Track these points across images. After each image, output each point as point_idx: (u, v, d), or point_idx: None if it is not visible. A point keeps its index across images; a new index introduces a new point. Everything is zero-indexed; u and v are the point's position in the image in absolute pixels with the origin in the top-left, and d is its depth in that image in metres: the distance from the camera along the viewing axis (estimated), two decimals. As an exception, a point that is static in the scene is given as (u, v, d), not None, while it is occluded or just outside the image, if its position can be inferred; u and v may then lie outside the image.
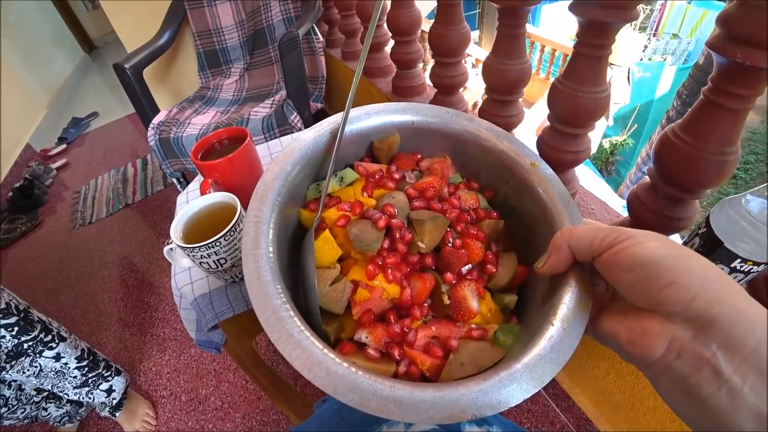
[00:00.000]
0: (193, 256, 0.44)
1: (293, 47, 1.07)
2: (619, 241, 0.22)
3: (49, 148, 2.68)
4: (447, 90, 0.89)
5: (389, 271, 0.30)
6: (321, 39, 1.37)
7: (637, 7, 0.53)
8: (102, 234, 1.82)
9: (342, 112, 0.35)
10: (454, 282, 0.31)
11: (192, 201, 0.49)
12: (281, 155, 0.33)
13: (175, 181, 1.32)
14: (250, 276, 0.26)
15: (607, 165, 5.24)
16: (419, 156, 0.40)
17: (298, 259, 0.32)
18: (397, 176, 0.37)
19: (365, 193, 0.35)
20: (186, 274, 0.54)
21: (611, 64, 5.20)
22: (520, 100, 0.76)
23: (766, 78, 0.42)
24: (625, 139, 5.15)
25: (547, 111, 0.65)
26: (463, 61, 0.87)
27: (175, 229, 0.45)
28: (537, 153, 0.70)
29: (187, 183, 1.42)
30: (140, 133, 2.61)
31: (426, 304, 0.31)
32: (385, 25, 1.07)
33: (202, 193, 0.50)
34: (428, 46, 0.87)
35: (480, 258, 0.32)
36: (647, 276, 0.21)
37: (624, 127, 5.25)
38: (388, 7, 0.99)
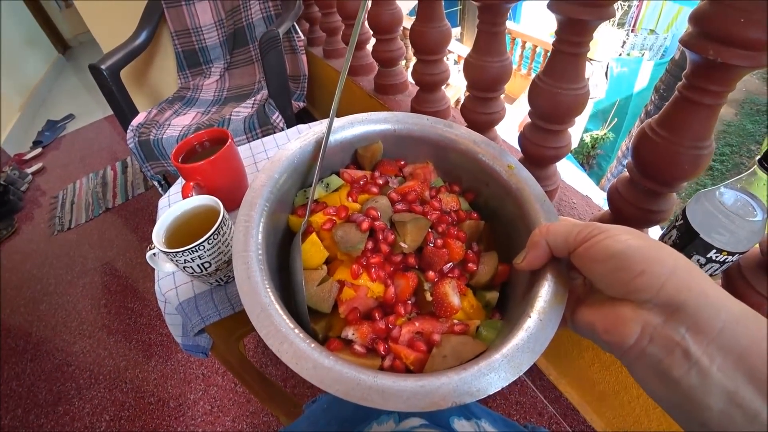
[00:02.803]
0: (176, 260, 0.43)
1: (274, 46, 1.05)
2: (593, 236, 0.23)
3: (24, 152, 2.59)
4: (429, 87, 0.90)
5: (373, 270, 0.31)
6: (302, 37, 1.36)
7: (614, 5, 0.54)
8: (82, 239, 1.77)
9: (326, 120, 0.36)
10: (436, 280, 0.32)
11: (174, 204, 0.48)
12: (269, 164, 0.34)
13: (156, 183, 1.30)
14: (240, 276, 0.27)
15: (589, 159, 5.33)
16: (402, 162, 0.41)
17: (287, 263, 0.33)
18: (380, 182, 0.38)
19: (350, 198, 0.36)
20: (170, 278, 0.53)
21: (590, 59, 5.29)
22: (502, 96, 0.77)
23: (738, 74, 0.44)
24: (605, 134, 5.25)
25: (528, 107, 0.66)
26: (444, 58, 0.88)
27: (158, 234, 0.44)
28: (518, 150, 0.72)
29: (169, 185, 1.40)
30: (119, 135, 2.55)
31: (410, 302, 0.32)
32: (366, 23, 1.07)
33: (184, 196, 0.49)
34: (410, 44, 0.87)
35: (461, 257, 0.33)
36: (619, 266, 0.22)
37: (604, 121, 5.35)
38: (369, 5, 0.99)
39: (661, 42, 5.76)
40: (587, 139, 5.31)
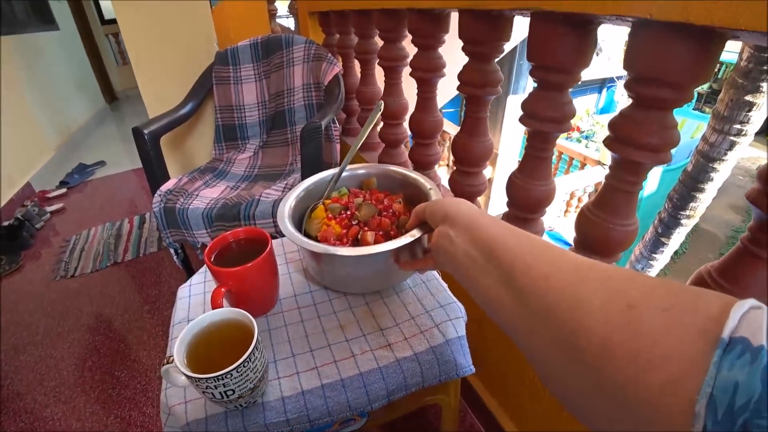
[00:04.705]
0: (197, 385, 0.38)
1: (316, 137, 1.09)
2: (427, 205, 0.47)
3: (49, 190, 2.64)
4: (466, 197, 0.89)
5: (338, 220, 0.60)
6: (338, 127, 1.41)
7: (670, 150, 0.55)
8: (83, 290, 1.71)
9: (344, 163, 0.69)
10: (365, 230, 0.57)
11: (198, 317, 0.44)
12: (309, 179, 0.69)
13: (172, 251, 1.27)
14: (279, 210, 0.60)
15: (600, 258, 5.28)
16: (387, 192, 0.68)
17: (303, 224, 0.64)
18: (368, 196, 0.66)
19: (347, 199, 0.65)
20: (180, 390, 0.47)
21: (602, 164, 5.49)
22: (542, 219, 0.76)
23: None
24: (617, 235, 5.24)
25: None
26: (483, 170, 0.88)
27: (179, 352, 0.39)
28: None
29: (185, 254, 1.37)
30: (143, 188, 2.60)
31: (351, 240, 0.57)
32: (405, 124, 1.11)
33: (214, 304, 0.45)
34: (451, 154, 0.88)
35: (388, 228, 0.58)
36: (430, 213, 0.45)
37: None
38: (411, 110, 1.03)
39: (668, 150, 6.01)
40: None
